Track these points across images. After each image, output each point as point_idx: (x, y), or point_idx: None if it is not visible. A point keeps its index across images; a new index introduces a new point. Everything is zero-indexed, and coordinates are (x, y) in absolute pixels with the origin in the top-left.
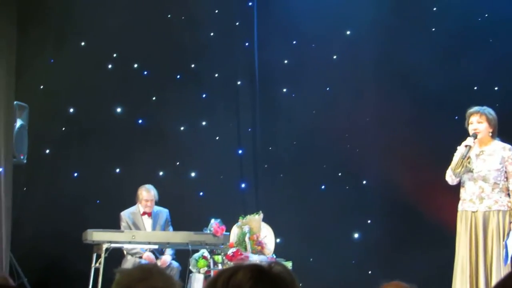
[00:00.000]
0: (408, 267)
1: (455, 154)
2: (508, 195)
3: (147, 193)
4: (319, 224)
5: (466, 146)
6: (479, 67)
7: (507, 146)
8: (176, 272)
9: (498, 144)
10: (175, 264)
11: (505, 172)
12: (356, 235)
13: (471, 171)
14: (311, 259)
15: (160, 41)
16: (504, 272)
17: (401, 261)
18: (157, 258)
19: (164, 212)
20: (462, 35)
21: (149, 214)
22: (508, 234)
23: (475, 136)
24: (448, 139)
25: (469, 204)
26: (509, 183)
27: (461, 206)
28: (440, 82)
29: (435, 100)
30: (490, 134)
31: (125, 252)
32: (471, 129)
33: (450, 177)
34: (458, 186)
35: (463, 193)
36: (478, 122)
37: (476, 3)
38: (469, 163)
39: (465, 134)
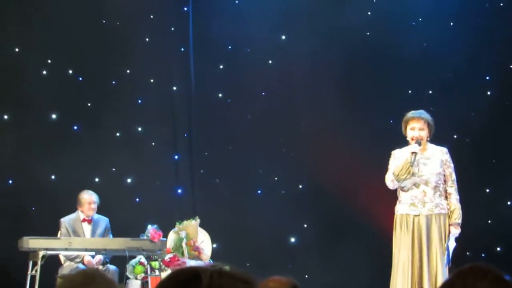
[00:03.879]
0: (346, 270)
1: (390, 159)
2: (446, 197)
3: (89, 196)
4: (256, 229)
5: (412, 153)
6: (413, 71)
7: (444, 149)
8: (114, 275)
9: (434, 147)
10: (112, 267)
11: (444, 175)
12: (292, 239)
13: (412, 175)
14: (248, 264)
15: (95, 47)
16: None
17: (338, 264)
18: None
19: (104, 220)
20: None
21: (89, 221)
22: (448, 236)
23: (419, 142)
24: (382, 143)
25: (411, 207)
26: (447, 185)
27: (400, 210)
28: (374, 88)
29: (370, 105)
30: (428, 138)
31: (61, 260)
32: (412, 135)
33: (392, 182)
34: (393, 189)
35: (403, 196)
36: (420, 129)
37: (409, 8)
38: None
39: (398, 137)
